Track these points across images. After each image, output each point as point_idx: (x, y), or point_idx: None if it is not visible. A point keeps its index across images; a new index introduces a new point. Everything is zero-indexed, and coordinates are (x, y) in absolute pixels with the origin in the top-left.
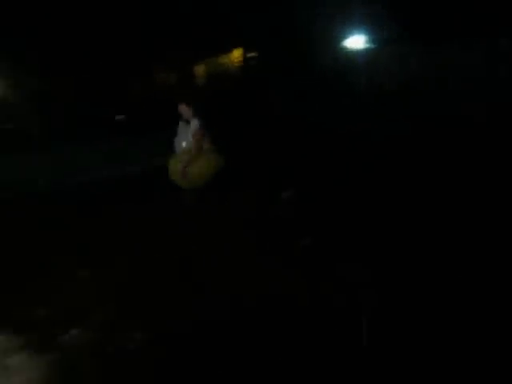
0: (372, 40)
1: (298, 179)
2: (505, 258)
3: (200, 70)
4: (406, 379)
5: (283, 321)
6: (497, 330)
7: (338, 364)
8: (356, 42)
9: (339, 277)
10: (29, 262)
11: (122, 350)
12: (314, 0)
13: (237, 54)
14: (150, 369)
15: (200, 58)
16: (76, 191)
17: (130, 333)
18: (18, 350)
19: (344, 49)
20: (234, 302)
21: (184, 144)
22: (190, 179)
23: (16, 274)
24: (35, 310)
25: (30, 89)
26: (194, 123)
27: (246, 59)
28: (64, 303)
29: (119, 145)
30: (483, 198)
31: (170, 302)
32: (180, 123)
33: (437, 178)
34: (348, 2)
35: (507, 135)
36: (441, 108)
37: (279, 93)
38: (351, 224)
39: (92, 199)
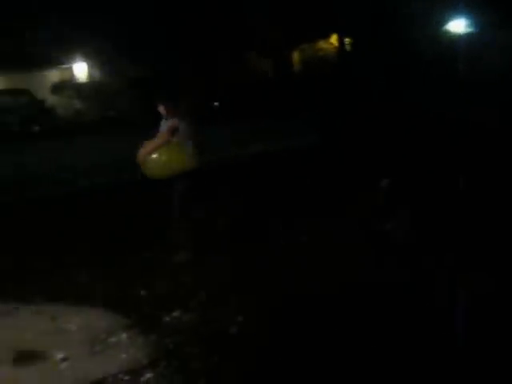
0: (474, 24)
1: (397, 167)
2: None
3: (296, 55)
4: None
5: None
6: None
7: None
8: (458, 25)
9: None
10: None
11: (224, 333)
12: None
13: (333, 40)
14: (251, 352)
15: (295, 43)
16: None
17: (232, 316)
18: (124, 330)
19: (446, 32)
20: (338, 286)
21: None
22: (147, 167)
23: (120, 256)
24: (138, 293)
25: (131, 76)
26: (167, 123)
27: (342, 45)
28: (165, 286)
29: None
30: None
31: (275, 287)
32: (162, 121)
33: None
34: None
35: None
36: None
37: (377, 78)
38: (450, 216)
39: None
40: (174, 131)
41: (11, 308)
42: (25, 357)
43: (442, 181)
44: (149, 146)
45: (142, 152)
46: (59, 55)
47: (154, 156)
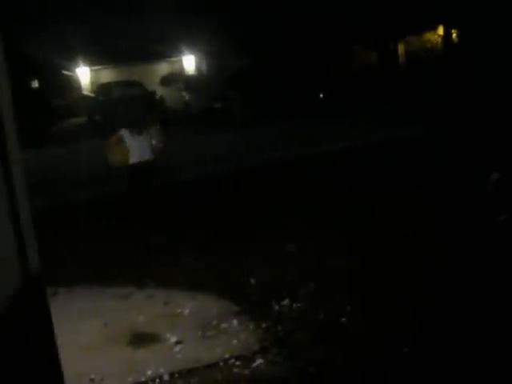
0: None
1: (507, 161)
2: None
3: (401, 47)
4: None
5: None
6: None
7: None
8: None
9: None
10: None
11: (333, 322)
12: None
13: (439, 31)
14: (361, 342)
15: (401, 35)
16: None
17: (341, 305)
18: (235, 316)
19: None
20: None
21: None
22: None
23: (231, 244)
24: (249, 281)
25: (235, 69)
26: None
27: (449, 36)
28: (275, 275)
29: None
30: None
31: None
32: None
33: None
34: None
35: None
36: None
37: (486, 69)
38: None
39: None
40: (118, 140)
41: (128, 291)
42: (140, 339)
43: None
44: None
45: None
46: (169, 49)
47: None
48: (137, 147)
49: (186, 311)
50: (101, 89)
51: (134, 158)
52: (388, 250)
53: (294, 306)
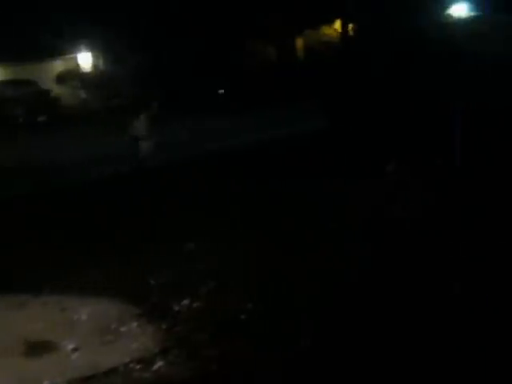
0: (477, 8)
1: (401, 151)
2: None
3: (299, 42)
4: None
5: None
6: None
7: None
8: (460, 10)
9: None
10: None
11: (233, 320)
12: None
13: (336, 26)
14: (261, 338)
15: (299, 30)
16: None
17: (242, 303)
18: (134, 319)
19: (448, 17)
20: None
21: None
22: None
23: (128, 245)
24: (148, 282)
25: (133, 64)
26: None
27: (346, 30)
28: (175, 275)
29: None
30: None
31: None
32: None
33: None
34: None
35: None
36: None
37: (380, 63)
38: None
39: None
40: None
41: (22, 300)
42: (35, 348)
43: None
44: None
45: None
46: (64, 46)
47: None
48: None
49: (84, 316)
50: None
51: None
52: (289, 246)
53: (195, 305)
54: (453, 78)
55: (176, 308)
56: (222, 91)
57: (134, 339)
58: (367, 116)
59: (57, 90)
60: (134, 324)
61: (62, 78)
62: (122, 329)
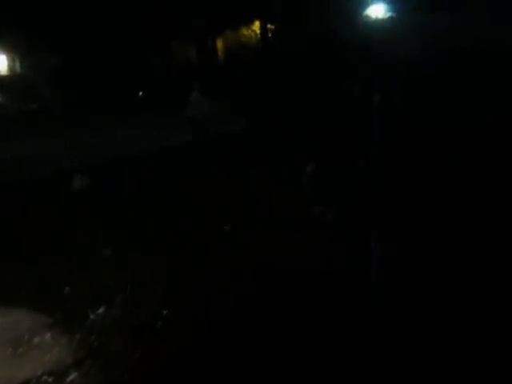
0: (393, 9)
1: (320, 153)
2: None
3: (219, 43)
4: None
5: None
6: None
7: None
8: (378, 10)
9: None
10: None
11: (149, 328)
12: None
13: (256, 27)
14: (178, 347)
15: (219, 30)
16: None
17: (158, 309)
18: (47, 329)
19: (366, 17)
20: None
21: None
22: None
23: (40, 250)
24: (62, 290)
25: (50, 67)
26: None
27: (265, 31)
28: (90, 283)
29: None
30: None
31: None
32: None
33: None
34: None
35: None
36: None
37: (299, 64)
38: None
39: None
40: None
41: None
42: None
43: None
44: None
45: None
46: None
47: None
48: None
49: None
50: None
51: None
52: (203, 248)
53: (110, 313)
54: (366, 77)
55: (91, 317)
56: (141, 93)
57: (46, 351)
58: (285, 117)
59: None
60: (48, 335)
61: None
62: (35, 340)
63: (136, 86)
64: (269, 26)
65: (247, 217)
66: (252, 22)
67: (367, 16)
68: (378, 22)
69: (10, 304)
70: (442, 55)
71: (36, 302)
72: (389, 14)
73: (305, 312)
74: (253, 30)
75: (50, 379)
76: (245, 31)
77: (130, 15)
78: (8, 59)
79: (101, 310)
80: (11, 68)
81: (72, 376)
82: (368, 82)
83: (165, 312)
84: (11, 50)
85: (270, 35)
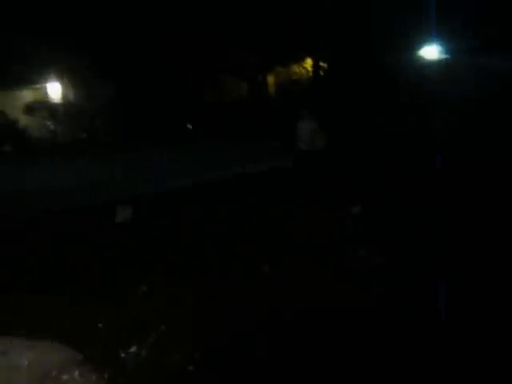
0: (447, 50)
1: (367, 194)
2: None
3: (270, 79)
4: None
5: None
6: None
7: None
8: (431, 51)
9: None
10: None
11: (182, 372)
12: (387, 8)
13: (308, 64)
14: None
15: (270, 67)
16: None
17: (190, 351)
18: (77, 366)
19: (419, 58)
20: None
21: None
22: None
23: (76, 286)
24: (95, 326)
25: (103, 97)
26: None
27: (316, 69)
28: (124, 318)
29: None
30: None
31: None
32: None
33: None
34: (422, 9)
35: None
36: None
37: (351, 103)
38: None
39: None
40: None
41: None
42: None
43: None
44: None
45: None
46: (32, 75)
47: None
48: None
49: (24, 362)
50: None
51: None
52: (242, 291)
53: (142, 352)
54: (422, 121)
55: (122, 355)
56: (190, 126)
57: None
58: (333, 158)
59: (24, 120)
60: (76, 372)
61: (30, 108)
62: (64, 376)
63: (185, 119)
64: (321, 63)
65: (288, 258)
66: (304, 59)
67: (421, 57)
68: (432, 63)
69: (40, 337)
70: (496, 96)
71: (67, 336)
72: (442, 55)
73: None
74: (304, 67)
75: None
76: (296, 68)
77: (184, 51)
78: (62, 87)
79: (133, 349)
80: (64, 96)
81: None
82: (423, 123)
83: (197, 355)
84: (66, 78)
85: (321, 73)
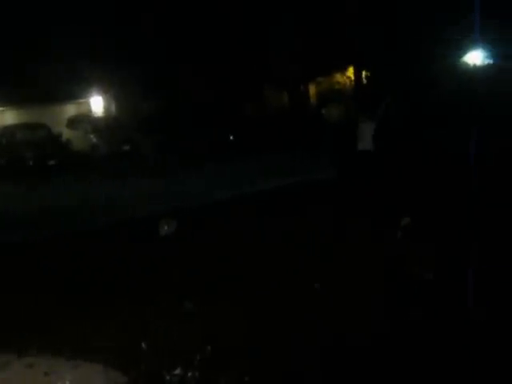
0: (491, 55)
1: (417, 205)
2: None
3: (312, 89)
4: None
5: None
6: None
7: None
8: (475, 57)
9: None
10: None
11: None
12: (431, 15)
13: (350, 73)
14: None
15: (312, 76)
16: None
17: (239, 374)
18: None
19: (464, 64)
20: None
21: None
22: None
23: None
24: (139, 347)
25: (144, 111)
26: None
27: (359, 77)
28: (169, 339)
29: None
30: None
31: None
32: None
33: None
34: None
35: None
36: None
37: (395, 112)
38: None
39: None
40: None
41: (6, 360)
42: None
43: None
44: None
45: None
46: (75, 89)
47: None
48: None
49: (68, 382)
50: (4, 131)
51: None
52: (293, 309)
53: (188, 375)
54: (469, 128)
55: (167, 378)
56: (232, 137)
57: None
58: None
59: (68, 134)
60: None
61: (73, 122)
62: None
63: (228, 131)
64: (364, 72)
65: (338, 273)
66: (346, 68)
67: (465, 63)
68: (477, 68)
69: (83, 357)
70: None
71: (112, 358)
72: (487, 61)
73: None
74: (348, 77)
75: None
76: (339, 77)
77: (226, 63)
78: (104, 101)
79: (178, 371)
80: (106, 110)
81: None
82: (475, 132)
83: (246, 378)
84: (108, 92)
85: (364, 81)
